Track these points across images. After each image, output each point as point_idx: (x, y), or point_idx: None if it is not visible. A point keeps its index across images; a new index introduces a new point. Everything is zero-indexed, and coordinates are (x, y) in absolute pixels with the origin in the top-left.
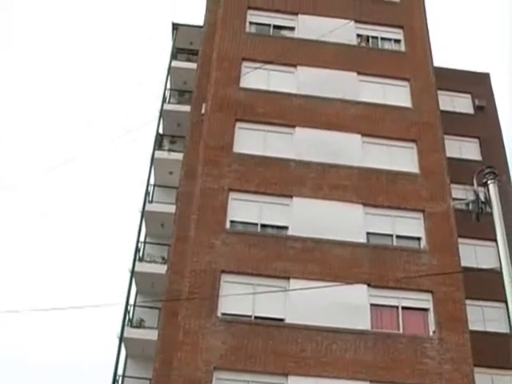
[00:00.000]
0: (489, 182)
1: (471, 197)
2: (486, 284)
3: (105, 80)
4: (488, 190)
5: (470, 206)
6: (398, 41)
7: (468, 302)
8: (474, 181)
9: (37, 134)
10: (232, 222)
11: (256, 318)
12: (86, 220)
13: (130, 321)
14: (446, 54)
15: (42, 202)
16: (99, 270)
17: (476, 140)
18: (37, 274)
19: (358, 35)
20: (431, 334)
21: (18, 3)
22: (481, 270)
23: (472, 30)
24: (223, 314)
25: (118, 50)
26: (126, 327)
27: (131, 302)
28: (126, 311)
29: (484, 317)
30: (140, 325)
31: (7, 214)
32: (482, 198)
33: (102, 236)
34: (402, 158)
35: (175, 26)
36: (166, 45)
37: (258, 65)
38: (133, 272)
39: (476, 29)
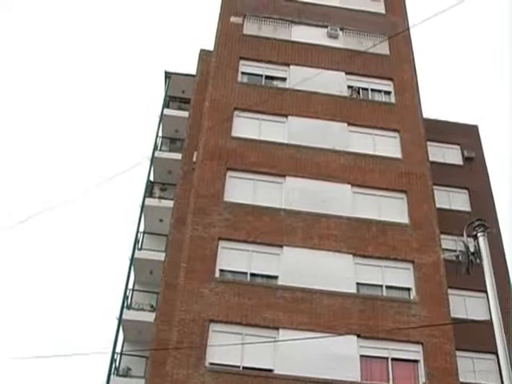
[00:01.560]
0: (478, 234)
1: (461, 248)
2: (476, 335)
3: (96, 126)
4: (478, 242)
5: (460, 258)
6: (388, 92)
7: (458, 353)
8: (464, 233)
9: (22, 172)
10: (221, 270)
11: (244, 368)
12: (75, 266)
13: (117, 369)
14: (435, 104)
15: (32, 244)
16: (86, 317)
17: (465, 191)
18: (23, 321)
19: (349, 86)
20: None
21: (17, 3)
22: (471, 321)
23: (460, 82)
24: (211, 364)
25: (110, 94)
26: (112, 376)
27: (118, 350)
28: (113, 359)
29: (475, 368)
30: (127, 374)
31: None
32: (471, 249)
33: (91, 283)
34: (391, 209)
35: (168, 75)
36: (158, 93)
37: (249, 114)
38: (120, 320)
39: (464, 81)
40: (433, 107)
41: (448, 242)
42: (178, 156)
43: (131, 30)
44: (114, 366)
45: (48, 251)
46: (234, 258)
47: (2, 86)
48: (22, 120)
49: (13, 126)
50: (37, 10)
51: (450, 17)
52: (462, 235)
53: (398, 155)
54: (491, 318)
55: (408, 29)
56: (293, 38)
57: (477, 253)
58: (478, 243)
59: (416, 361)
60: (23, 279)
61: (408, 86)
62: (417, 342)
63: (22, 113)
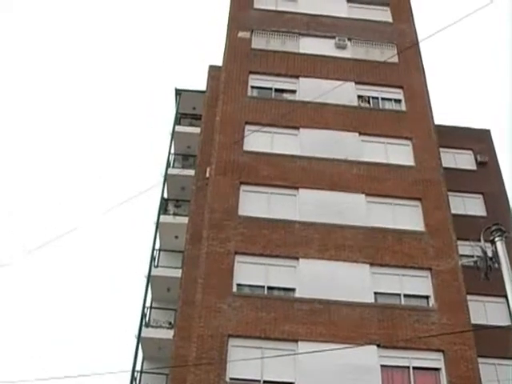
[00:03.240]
0: (496, 238)
1: (478, 253)
2: (497, 341)
3: (107, 143)
4: (496, 246)
5: (479, 263)
6: (398, 100)
7: (480, 360)
8: (482, 238)
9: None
10: (238, 285)
11: (265, 382)
12: (92, 287)
13: None
14: (446, 110)
15: (48, 268)
16: (106, 336)
17: (480, 196)
18: (41, 341)
19: (359, 96)
20: None
21: (17, 3)
22: (492, 327)
23: (471, 86)
24: (232, 379)
25: (121, 113)
26: None
27: (138, 368)
28: (133, 377)
29: (498, 376)
30: None
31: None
32: (489, 254)
33: (108, 302)
34: (406, 217)
35: (178, 92)
36: (169, 110)
37: (260, 128)
38: (139, 338)
39: (475, 85)
40: (444, 113)
41: (465, 248)
42: (190, 172)
43: (137, 47)
44: None
45: (66, 272)
46: (251, 272)
47: (2, 86)
48: (22, 124)
49: (14, 130)
50: (37, 10)
51: (459, 23)
52: (479, 240)
53: (411, 163)
54: None
55: (417, 40)
56: (301, 50)
57: (495, 257)
58: (495, 248)
59: (437, 369)
60: (42, 300)
61: (418, 93)
62: (437, 350)
63: (23, 116)
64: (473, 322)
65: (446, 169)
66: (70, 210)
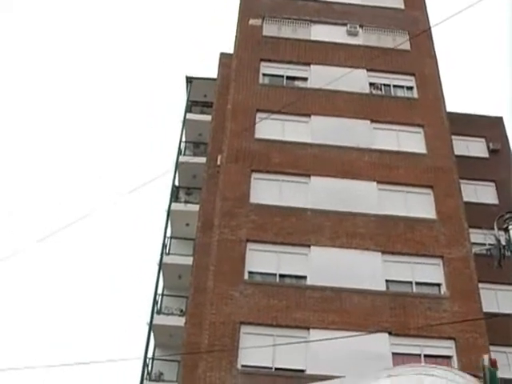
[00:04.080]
0: (510, 226)
1: (490, 241)
2: (509, 329)
3: (118, 132)
4: (509, 234)
5: (492, 251)
6: (410, 88)
7: (492, 348)
8: (495, 226)
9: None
10: (250, 272)
11: (277, 369)
12: (103, 275)
13: (149, 374)
14: (458, 98)
15: (60, 256)
16: (118, 324)
17: (492, 183)
18: (54, 329)
19: (371, 83)
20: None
21: (17, 3)
22: (504, 315)
23: (484, 73)
24: (243, 366)
25: (132, 102)
26: (144, 381)
27: (150, 355)
28: (145, 365)
29: (509, 363)
30: (159, 378)
31: (29, 266)
32: (502, 242)
33: (120, 290)
34: (418, 204)
35: (189, 79)
36: (180, 98)
37: (272, 115)
38: (151, 325)
39: (488, 72)
40: (456, 100)
41: (477, 236)
42: (202, 160)
43: (147, 36)
44: (146, 371)
45: (77, 261)
46: (263, 260)
47: (2, 86)
48: (22, 122)
49: (14, 128)
50: (37, 10)
51: (472, 8)
52: (492, 228)
53: (423, 150)
54: None
55: (429, 27)
56: (312, 38)
57: (508, 245)
58: (509, 235)
59: (449, 357)
60: (54, 288)
61: (430, 80)
62: (449, 338)
63: (23, 115)
64: (484, 309)
65: (458, 156)
66: (81, 199)
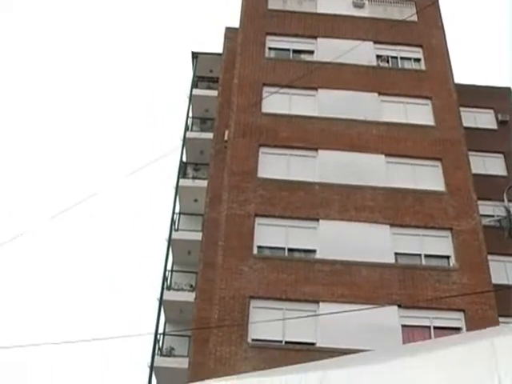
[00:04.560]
0: None
1: (499, 212)
2: None
3: (123, 110)
4: None
5: (502, 223)
6: (417, 59)
7: (501, 319)
8: (505, 197)
9: (49, 163)
10: (259, 247)
11: (287, 342)
12: (113, 251)
13: (160, 349)
14: (466, 69)
15: (69, 234)
16: (128, 300)
17: (500, 155)
18: (63, 305)
19: (378, 56)
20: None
21: (17, 3)
22: None
23: (492, 44)
24: (254, 340)
25: (138, 78)
26: (156, 356)
27: (160, 330)
28: (156, 340)
29: None
30: (170, 353)
31: (36, 249)
32: None
33: (129, 266)
34: (427, 177)
35: (195, 55)
36: (186, 73)
37: (278, 89)
38: (161, 301)
39: (496, 43)
40: (464, 72)
41: (485, 208)
42: (209, 135)
43: (150, 12)
44: (157, 346)
45: (87, 238)
46: (271, 234)
47: (2, 86)
48: (22, 122)
49: (14, 128)
50: (37, 10)
51: None
52: (501, 200)
53: (431, 122)
54: None
55: None
56: (318, 10)
57: None
58: None
59: (458, 328)
60: (63, 265)
61: (438, 52)
62: (458, 310)
63: (23, 114)
64: (494, 281)
65: (466, 128)
66: (91, 178)
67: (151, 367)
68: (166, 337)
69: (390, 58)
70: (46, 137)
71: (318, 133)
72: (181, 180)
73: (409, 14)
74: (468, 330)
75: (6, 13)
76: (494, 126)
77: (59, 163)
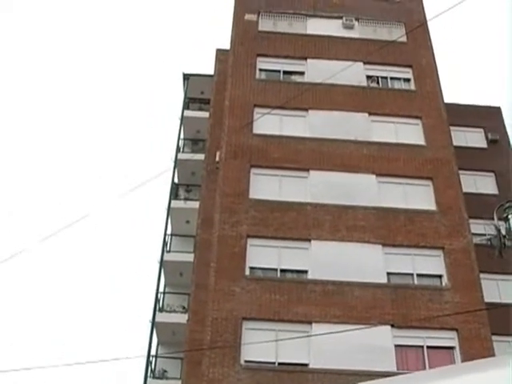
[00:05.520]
0: (509, 216)
1: (490, 231)
2: (511, 319)
3: (115, 130)
4: (510, 223)
5: (492, 242)
6: (407, 80)
7: (494, 338)
8: (495, 216)
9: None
10: (251, 268)
11: (280, 364)
12: (104, 274)
13: (153, 372)
14: (456, 89)
15: (60, 256)
16: (120, 322)
17: (491, 174)
18: (57, 328)
19: (368, 76)
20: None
21: (17, 3)
22: (506, 305)
23: (481, 64)
24: (247, 362)
25: (129, 100)
26: (148, 379)
27: (153, 352)
28: (148, 362)
29: None
30: (163, 376)
31: (29, 269)
32: (503, 232)
33: (121, 289)
34: (418, 196)
35: (186, 76)
36: (177, 95)
37: (269, 110)
38: (153, 323)
39: (485, 63)
40: (454, 91)
41: (477, 227)
42: (200, 157)
43: (143, 33)
44: (150, 368)
45: (79, 260)
46: (263, 255)
47: (2, 86)
48: (23, 122)
49: (14, 128)
50: (37, 10)
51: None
52: (492, 219)
53: (422, 142)
54: None
55: (425, 19)
56: (308, 32)
57: (509, 235)
58: (509, 225)
59: (452, 347)
60: (55, 287)
61: (427, 72)
62: (451, 329)
63: (23, 114)
64: (486, 300)
65: (456, 147)
66: (81, 199)
67: None
68: (158, 359)
69: (380, 79)
70: (41, 143)
71: (309, 153)
72: (172, 201)
73: (398, 34)
74: (461, 349)
75: (5, 13)
76: (484, 144)
77: (51, 183)
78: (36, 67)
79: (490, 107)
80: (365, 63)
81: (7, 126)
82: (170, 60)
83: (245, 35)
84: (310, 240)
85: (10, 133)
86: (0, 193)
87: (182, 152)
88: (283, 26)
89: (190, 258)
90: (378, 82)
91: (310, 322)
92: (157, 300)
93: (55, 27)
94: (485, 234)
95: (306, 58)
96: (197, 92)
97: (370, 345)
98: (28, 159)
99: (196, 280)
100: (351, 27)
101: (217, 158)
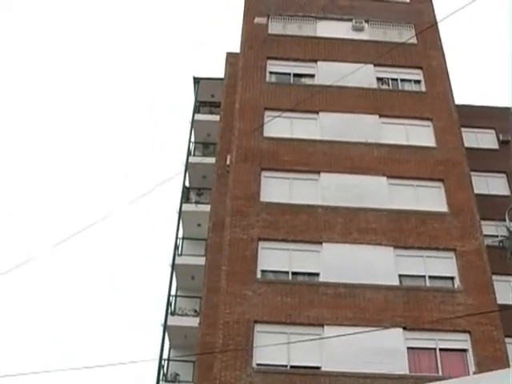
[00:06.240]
0: None
1: (502, 233)
2: None
3: (126, 137)
4: None
5: (504, 243)
6: (417, 81)
7: (508, 340)
8: (507, 217)
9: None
10: (263, 271)
11: (292, 367)
12: (117, 278)
13: (165, 376)
14: (467, 90)
15: (72, 260)
16: (133, 326)
17: (503, 175)
18: (70, 332)
19: (378, 78)
20: (471, 375)
21: (17, 3)
22: None
23: (492, 64)
24: (258, 365)
25: (140, 104)
26: (161, 382)
27: (165, 356)
28: (161, 366)
29: None
30: (175, 379)
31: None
32: None
33: (134, 292)
34: (429, 198)
35: (196, 80)
36: (188, 98)
37: (280, 113)
38: (165, 326)
39: (496, 63)
40: (465, 92)
41: (489, 228)
42: (211, 160)
43: (153, 37)
44: (162, 372)
45: (91, 264)
46: (275, 258)
47: (2, 86)
48: (22, 122)
49: (14, 128)
50: (37, 10)
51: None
52: (504, 220)
53: (433, 144)
54: None
55: (435, 20)
56: (318, 34)
57: None
58: None
59: (464, 350)
60: (67, 292)
61: (438, 73)
62: (464, 331)
63: (23, 115)
64: (499, 302)
65: (467, 149)
66: (93, 204)
67: None
68: (170, 362)
69: (390, 81)
70: (45, 144)
71: (320, 156)
72: (184, 205)
73: (408, 36)
74: (474, 351)
75: (5, 13)
76: (495, 145)
77: (60, 188)
78: (36, 67)
79: (501, 108)
80: (375, 65)
81: (7, 126)
82: (180, 64)
83: (255, 38)
84: (321, 243)
85: (10, 133)
86: (2, 193)
87: (193, 156)
88: (293, 28)
89: (201, 261)
90: (388, 84)
91: (321, 325)
92: (169, 303)
93: (55, 30)
94: (497, 236)
95: (316, 61)
96: (207, 95)
97: (382, 347)
98: (28, 159)
99: (208, 283)
100: (361, 29)
101: (227, 162)
